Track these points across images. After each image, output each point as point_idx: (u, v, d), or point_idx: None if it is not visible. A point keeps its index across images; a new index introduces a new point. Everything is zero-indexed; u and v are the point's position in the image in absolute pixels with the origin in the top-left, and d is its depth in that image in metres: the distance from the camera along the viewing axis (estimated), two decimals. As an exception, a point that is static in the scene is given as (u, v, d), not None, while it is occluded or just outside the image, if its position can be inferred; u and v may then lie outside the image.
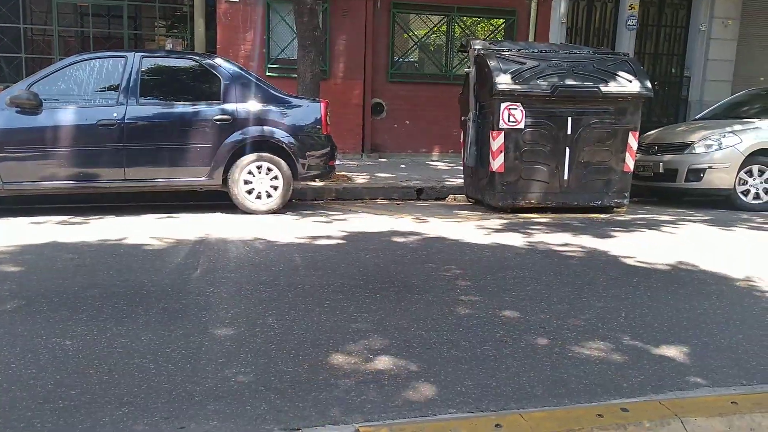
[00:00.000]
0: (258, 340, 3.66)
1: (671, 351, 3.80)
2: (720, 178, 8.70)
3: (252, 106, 7.43)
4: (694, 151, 8.83)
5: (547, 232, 6.77)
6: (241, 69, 7.71)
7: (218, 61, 7.72)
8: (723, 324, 4.30)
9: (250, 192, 7.52)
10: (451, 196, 8.97)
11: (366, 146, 13.07)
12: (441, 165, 11.46)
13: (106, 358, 3.38)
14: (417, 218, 7.46)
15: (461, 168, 9.22)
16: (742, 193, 8.76)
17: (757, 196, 8.77)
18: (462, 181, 9.14)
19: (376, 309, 4.25)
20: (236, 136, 7.36)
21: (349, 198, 8.88)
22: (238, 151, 7.43)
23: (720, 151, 8.70)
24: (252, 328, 3.84)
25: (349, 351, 3.56)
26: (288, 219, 7.32)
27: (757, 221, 7.77)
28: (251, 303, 4.32)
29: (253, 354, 3.46)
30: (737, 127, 8.99)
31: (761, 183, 8.76)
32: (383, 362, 3.43)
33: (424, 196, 9.00)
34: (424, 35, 13.41)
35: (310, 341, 3.66)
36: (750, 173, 8.75)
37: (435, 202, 8.86)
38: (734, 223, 7.63)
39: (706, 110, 10.81)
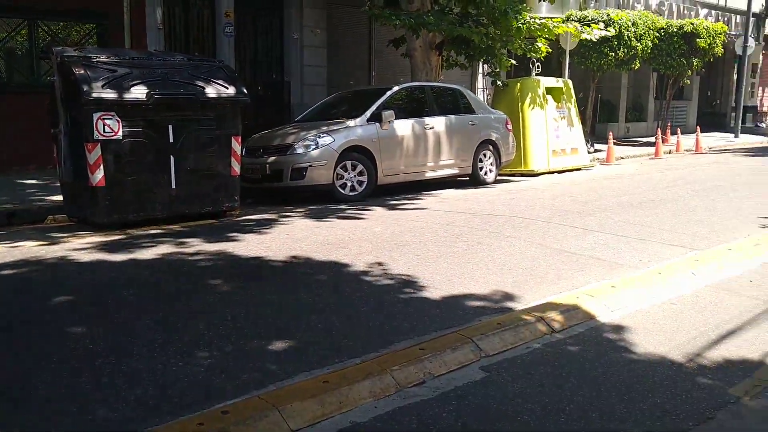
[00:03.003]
0: None
1: (275, 345, 3.96)
2: (320, 174, 9.43)
3: None
4: (295, 152, 9.42)
5: (157, 245, 6.57)
6: None
7: None
8: (321, 310, 4.63)
9: None
10: (51, 217, 8.15)
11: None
12: (37, 183, 10.36)
13: None
14: (9, 246, 6.62)
15: (60, 185, 8.43)
16: (340, 186, 9.62)
17: (353, 189, 9.71)
18: (62, 199, 8.36)
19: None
20: None
21: None
22: None
23: (317, 150, 9.42)
24: None
25: None
26: None
27: (349, 211, 8.60)
28: None
29: None
30: (331, 127, 9.84)
31: (355, 176, 9.72)
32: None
33: (17, 220, 8.02)
34: (2, 40, 11.96)
35: None
36: (345, 168, 9.65)
37: (31, 226, 7.95)
38: (331, 214, 8.34)
39: (304, 113, 11.63)
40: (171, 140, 7.68)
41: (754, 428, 3.23)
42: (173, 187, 7.77)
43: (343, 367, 3.61)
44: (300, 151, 9.44)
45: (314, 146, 9.46)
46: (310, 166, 9.38)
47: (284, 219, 8.08)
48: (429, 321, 4.36)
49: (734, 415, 3.33)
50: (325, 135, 9.59)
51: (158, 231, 7.36)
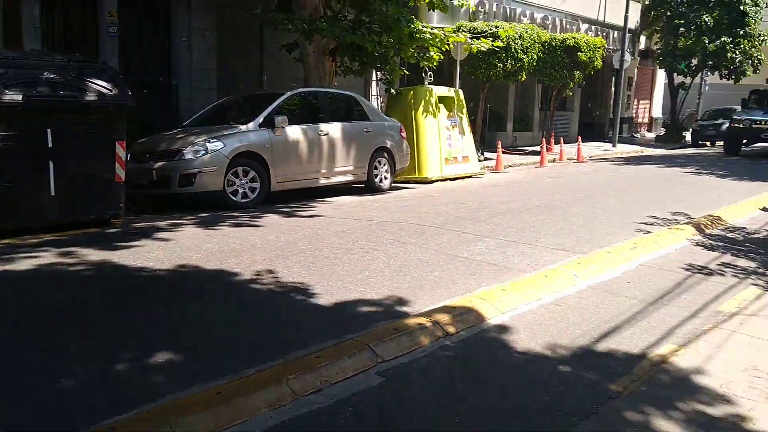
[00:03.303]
0: None
1: (165, 357, 3.81)
2: (210, 180, 9.17)
3: None
4: (183, 157, 9.11)
5: (35, 255, 6.19)
6: None
7: None
8: (213, 322, 4.51)
9: None
10: None
11: None
12: None
13: None
14: None
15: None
16: (231, 193, 9.39)
17: (245, 195, 9.51)
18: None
19: None
20: None
21: None
22: None
23: (207, 155, 9.15)
24: None
25: None
26: None
27: (241, 219, 8.41)
28: None
29: None
30: (221, 132, 9.59)
31: (247, 183, 9.53)
32: None
33: None
34: None
35: None
36: (236, 174, 9.44)
37: None
38: (222, 222, 8.13)
39: (194, 117, 11.30)
40: (50, 145, 7.24)
41: (633, 421, 3.40)
42: (53, 194, 7.34)
43: (238, 377, 3.52)
44: (189, 156, 9.15)
45: (204, 152, 9.19)
46: (200, 172, 9.11)
47: (172, 227, 7.80)
48: (325, 329, 4.33)
49: (615, 409, 3.50)
50: (215, 140, 9.35)
51: (37, 240, 6.92)
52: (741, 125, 21.10)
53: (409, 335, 4.24)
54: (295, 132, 10.21)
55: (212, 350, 3.96)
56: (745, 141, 21.59)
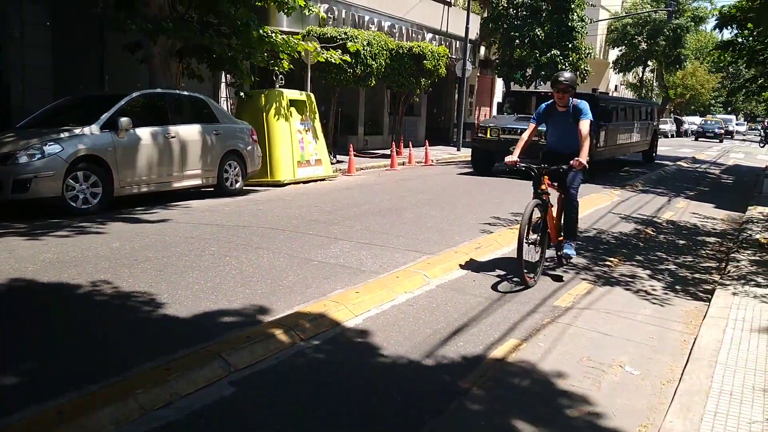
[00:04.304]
0: None
1: (4, 375, 3.54)
2: (47, 186, 8.57)
3: None
4: (17, 161, 8.46)
5: None
6: None
7: None
8: (53, 337, 4.24)
9: None
10: None
11: None
12: None
13: None
14: None
15: None
16: (71, 199, 8.83)
17: (86, 201, 8.97)
18: None
19: None
20: None
21: None
22: None
23: (43, 159, 8.56)
24: None
25: None
26: None
27: (83, 226, 7.93)
28: None
29: None
30: (59, 134, 8.99)
31: (88, 188, 9.00)
32: None
33: None
34: None
35: None
36: (76, 179, 8.89)
37: None
38: (61, 230, 7.62)
39: (28, 118, 10.53)
40: None
41: (481, 414, 3.59)
42: None
43: (81, 395, 3.34)
44: (23, 160, 8.50)
45: (40, 155, 8.58)
46: (35, 177, 8.50)
47: (3, 237, 7.23)
48: (175, 339, 4.21)
49: (464, 405, 3.68)
50: (52, 143, 8.75)
51: None
52: (488, 135, 16.10)
53: (263, 343, 4.21)
54: (141, 134, 9.78)
55: (51, 367, 3.73)
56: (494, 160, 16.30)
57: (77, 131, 9.17)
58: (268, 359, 4.08)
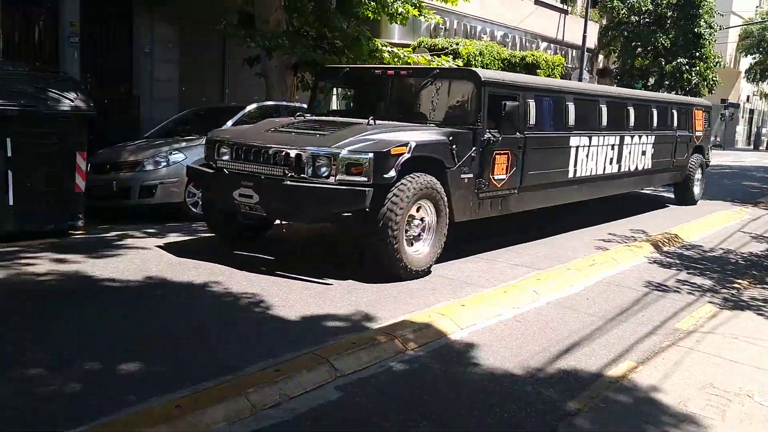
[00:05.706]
0: None
1: (124, 369, 3.79)
2: (171, 192, 9.09)
3: None
4: (144, 169, 9.03)
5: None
6: None
7: None
8: (175, 335, 4.47)
9: None
10: None
11: None
12: None
13: None
14: None
15: None
16: (191, 204, 9.33)
17: (205, 207, 9.43)
18: None
19: None
20: None
21: None
22: None
23: (168, 167, 9.10)
24: None
25: None
26: None
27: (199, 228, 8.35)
28: None
29: None
30: (182, 144, 9.53)
31: (208, 195, 9.45)
32: None
33: None
34: None
35: None
36: (197, 186, 9.36)
37: None
38: (181, 232, 8.04)
39: (155, 129, 11.20)
40: (9, 154, 7.13)
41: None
42: (11, 203, 7.21)
43: (197, 390, 3.51)
44: (150, 168, 9.07)
45: (165, 163, 9.12)
46: (161, 183, 9.04)
47: (133, 239, 7.70)
48: (284, 342, 4.34)
49: (574, 426, 3.57)
50: (176, 152, 9.28)
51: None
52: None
53: (368, 350, 4.27)
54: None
55: (171, 362, 3.93)
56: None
57: (199, 141, 9.66)
58: (373, 366, 4.13)
